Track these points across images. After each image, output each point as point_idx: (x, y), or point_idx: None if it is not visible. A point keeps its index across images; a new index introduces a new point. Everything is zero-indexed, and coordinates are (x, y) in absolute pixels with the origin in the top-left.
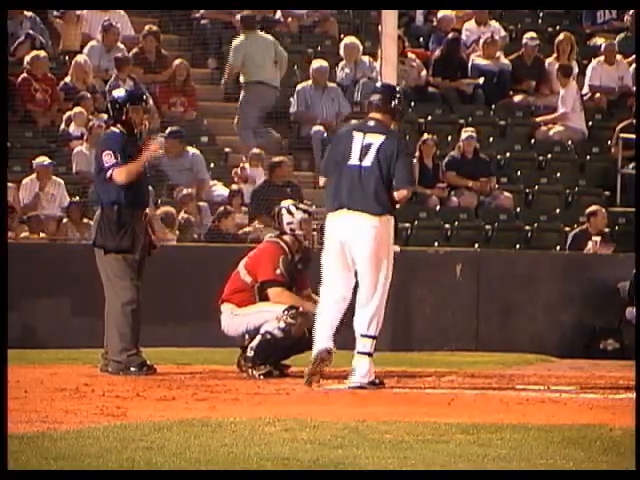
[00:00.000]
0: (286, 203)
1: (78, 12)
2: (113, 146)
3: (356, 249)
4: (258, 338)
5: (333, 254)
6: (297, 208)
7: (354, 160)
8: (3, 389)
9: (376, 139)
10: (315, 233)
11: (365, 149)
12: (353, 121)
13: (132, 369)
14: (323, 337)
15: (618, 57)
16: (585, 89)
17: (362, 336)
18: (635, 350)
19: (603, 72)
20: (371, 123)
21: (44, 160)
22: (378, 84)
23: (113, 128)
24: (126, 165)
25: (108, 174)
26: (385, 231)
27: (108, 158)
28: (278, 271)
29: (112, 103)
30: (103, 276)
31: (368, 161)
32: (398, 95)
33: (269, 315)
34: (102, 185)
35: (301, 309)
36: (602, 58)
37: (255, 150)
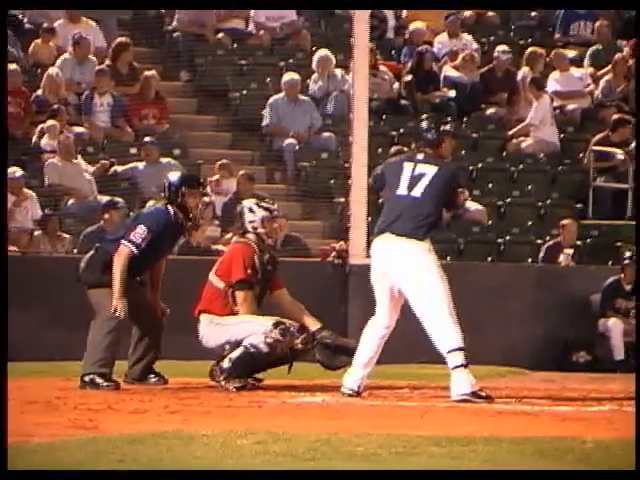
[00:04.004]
0: (248, 202)
1: (50, 26)
2: (153, 225)
3: (399, 274)
4: (240, 350)
5: (375, 281)
6: (259, 206)
7: (402, 190)
8: (3, 389)
9: (429, 169)
10: (279, 232)
11: (415, 179)
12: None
13: (98, 381)
14: (353, 377)
15: (590, 69)
16: (556, 101)
17: (448, 352)
18: (635, 358)
19: (564, 80)
20: (420, 156)
21: (15, 171)
22: (424, 123)
23: (168, 206)
24: (120, 274)
25: (122, 246)
26: (426, 252)
27: (139, 232)
28: (249, 270)
29: (168, 186)
30: (94, 306)
31: (418, 191)
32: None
33: (255, 328)
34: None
35: (288, 325)
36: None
37: (224, 160)
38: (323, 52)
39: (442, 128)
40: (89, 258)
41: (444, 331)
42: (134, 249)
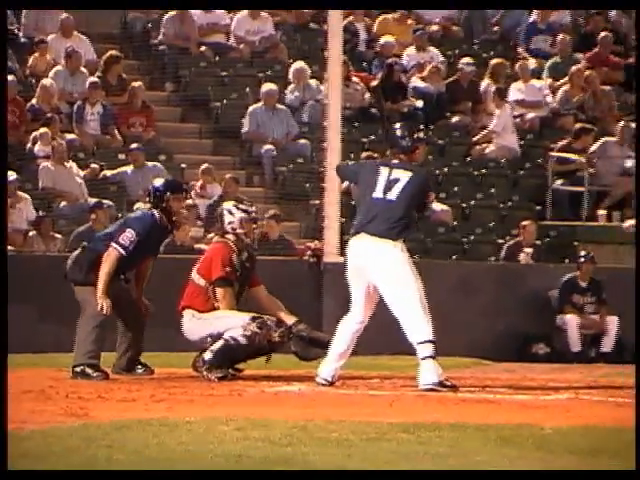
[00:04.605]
0: (227, 205)
1: (43, 39)
2: (141, 229)
3: (374, 272)
4: (221, 342)
5: (351, 279)
6: (237, 208)
7: (378, 193)
8: (3, 389)
9: (403, 175)
10: (256, 231)
11: (391, 183)
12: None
13: (88, 371)
14: (328, 368)
15: (549, 81)
16: (518, 110)
17: (419, 343)
18: (635, 352)
19: (526, 90)
20: (395, 161)
21: (10, 175)
22: (398, 131)
23: (153, 210)
24: (106, 275)
25: (112, 248)
26: (399, 252)
27: (128, 236)
28: (228, 269)
29: (154, 191)
30: (80, 302)
31: (393, 195)
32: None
33: (234, 321)
34: (103, 244)
35: (266, 319)
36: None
37: (207, 165)
38: (299, 64)
39: (416, 136)
40: (76, 257)
41: (416, 324)
42: (122, 252)
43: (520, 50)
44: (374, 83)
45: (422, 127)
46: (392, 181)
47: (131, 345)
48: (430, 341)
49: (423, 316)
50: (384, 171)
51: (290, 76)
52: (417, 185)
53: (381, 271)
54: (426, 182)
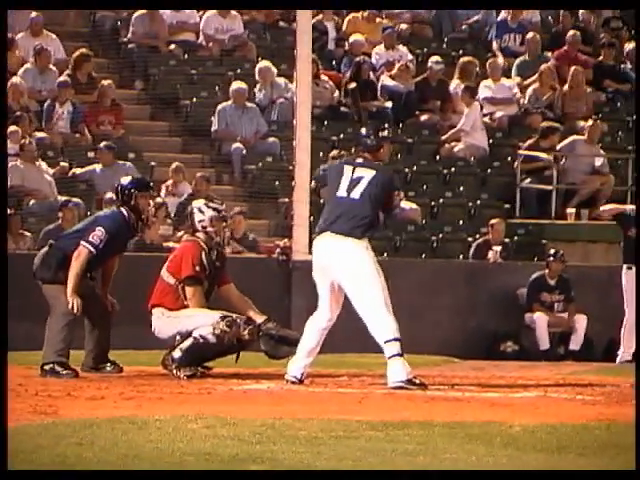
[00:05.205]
0: (198, 203)
1: (10, 37)
2: (110, 227)
3: (338, 271)
4: (190, 340)
5: (317, 277)
6: (208, 207)
7: (342, 192)
8: (3, 388)
9: (367, 173)
10: (226, 230)
11: (354, 182)
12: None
13: (58, 369)
14: (296, 366)
15: (518, 79)
16: (487, 108)
17: (386, 342)
18: (636, 353)
19: (495, 88)
20: (360, 160)
21: None
22: (363, 129)
23: (122, 209)
24: (77, 274)
25: (82, 246)
26: (364, 250)
27: (99, 234)
28: (197, 267)
29: (121, 189)
30: (49, 300)
31: (356, 193)
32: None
33: (204, 320)
34: (71, 242)
35: (235, 317)
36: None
37: (177, 164)
38: (263, 63)
39: (381, 134)
40: (43, 255)
41: (381, 323)
42: (92, 250)
43: (494, 47)
44: (352, 85)
45: (391, 125)
46: (355, 180)
47: (97, 343)
48: (396, 339)
49: (387, 315)
50: (348, 170)
51: (256, 75)
52: (380, 183)
53: (345, 270)
54: (390, 181)
